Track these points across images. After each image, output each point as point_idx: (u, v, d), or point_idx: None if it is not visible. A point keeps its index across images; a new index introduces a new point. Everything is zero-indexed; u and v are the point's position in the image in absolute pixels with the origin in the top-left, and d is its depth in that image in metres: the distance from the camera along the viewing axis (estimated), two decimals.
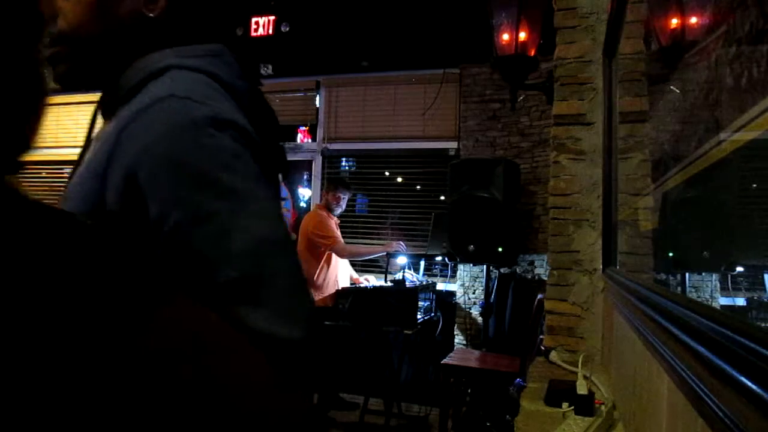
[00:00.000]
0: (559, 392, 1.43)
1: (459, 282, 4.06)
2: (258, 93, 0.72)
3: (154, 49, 0.67)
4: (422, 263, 4.14)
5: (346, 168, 4.72)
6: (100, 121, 0.73)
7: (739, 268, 1.76)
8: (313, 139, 4.67)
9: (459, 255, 3.50)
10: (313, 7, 4.51)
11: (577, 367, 1.67)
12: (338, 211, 3.84)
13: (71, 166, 0.73)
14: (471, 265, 3.94)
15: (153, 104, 0.61)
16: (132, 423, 0.34)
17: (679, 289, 1.69)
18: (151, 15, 0.68)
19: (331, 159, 4.69)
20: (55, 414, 0.31)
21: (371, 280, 4.00)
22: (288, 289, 0.59)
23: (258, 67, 0.81)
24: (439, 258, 4.10)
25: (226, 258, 0.56)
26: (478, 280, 3.99)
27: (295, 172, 4.70)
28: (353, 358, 3.99)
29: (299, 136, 4.70)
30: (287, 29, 4.57)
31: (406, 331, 3.38)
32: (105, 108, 0.72)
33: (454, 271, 4.11)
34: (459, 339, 4.01)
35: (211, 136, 0.60)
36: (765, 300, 1.75)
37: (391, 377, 3.78)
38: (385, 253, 3.77)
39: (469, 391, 3.29)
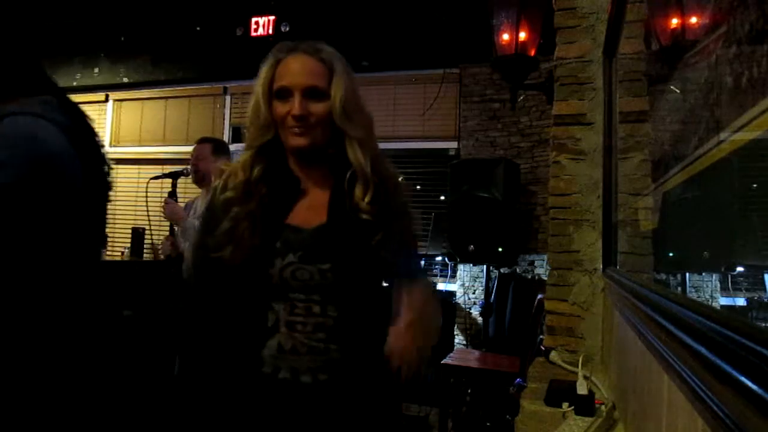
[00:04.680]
0: (559, 392, 1.43)
1: (459, 282, 4.06)
2: (78, 125, 1.02)
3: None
4: (422, 263, 4.14)
5: None
6: None
7: (739, 268, 1.76)
8: None
9: (459, 255, 3.50)
10: (313, 7, 4.51)
11: (577, 367, 1.66)
12: None
13: None
14: (471, 265, 3.94)
15: None
16: None
17: (679, 289, 1.69)
18: None
19: None
20: None
21: None
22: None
23: (77, 108, 1.05)
24: (439, 258, 4.09)
25: None
26: (478, 280, 3.99)
27: None
28: None
29: None
30: (287, 29, 4.57)
31: None
32: None
33: (454, 271, 4.11)
34: (459, 339, 4.01)
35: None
36: (765, 300, 1.75)
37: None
38: None
39: (469, 391, 3.29)
